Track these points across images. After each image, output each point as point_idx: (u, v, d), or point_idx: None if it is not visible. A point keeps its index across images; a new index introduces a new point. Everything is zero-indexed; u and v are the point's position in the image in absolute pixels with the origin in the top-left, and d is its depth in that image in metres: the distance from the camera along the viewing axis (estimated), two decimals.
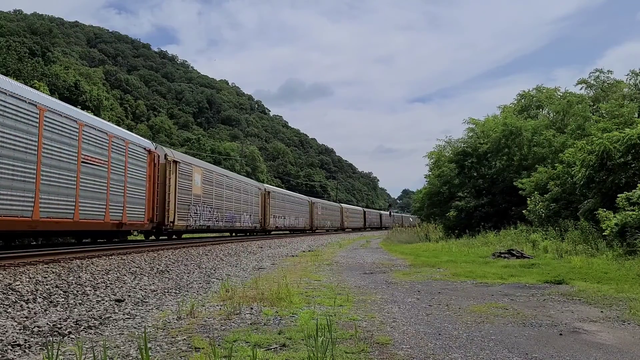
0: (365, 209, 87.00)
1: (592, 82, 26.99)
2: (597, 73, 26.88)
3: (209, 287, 8.69)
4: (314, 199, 55.57)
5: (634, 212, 12.13)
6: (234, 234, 31.69)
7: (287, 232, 43.90)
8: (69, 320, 5.67)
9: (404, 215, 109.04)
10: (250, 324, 5.40)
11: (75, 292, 7.40)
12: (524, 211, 20.03)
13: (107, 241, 17.02)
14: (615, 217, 12.72)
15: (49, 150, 12.11)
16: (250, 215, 32.15)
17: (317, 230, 52.69)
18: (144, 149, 18.21)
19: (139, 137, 19.11)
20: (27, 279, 7.64)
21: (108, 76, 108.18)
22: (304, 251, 19.27)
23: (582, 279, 9.07)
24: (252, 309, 6.22)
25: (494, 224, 22.64)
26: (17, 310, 5.97)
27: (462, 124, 31.58)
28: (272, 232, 38.98)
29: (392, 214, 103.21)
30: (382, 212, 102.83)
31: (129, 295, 7.53)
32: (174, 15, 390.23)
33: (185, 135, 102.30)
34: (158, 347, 4.43)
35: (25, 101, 11.35)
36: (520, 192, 21.29)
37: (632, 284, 8.18)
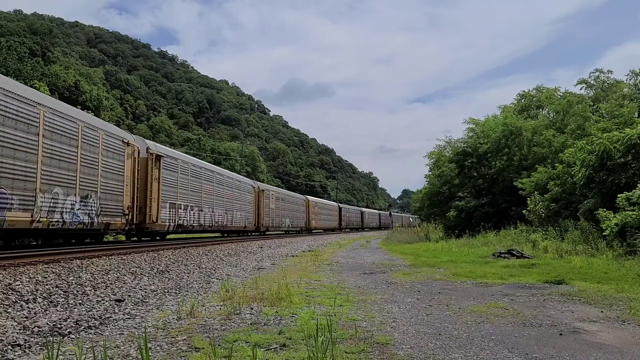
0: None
1: (592, 82, 27.01)
2: (597, 73, 26.91)
3: (209, 287, 8.69)
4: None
5: (634, 212, 12.13)
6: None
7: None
8: (69, 320, 5.67)
9: (403, 215, 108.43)
10: (251, 324, 5.40)
11: (75, 292, 7.40)
12: (524, 211, 20.03)
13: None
14: (615, 217, 12.73)
15: None
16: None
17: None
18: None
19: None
20: (27, 279, 7.64)
21: (108, 76, 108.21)
22: (303, 251, 19.28)
23: (582, 279, 9.07)
24: (252, 309, 6.22)
25: (494, 224, 22.63)
26: (17, 310, 5.97)
27: (462, 124, 31.60)
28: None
29: (392, 214, 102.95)
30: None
31: (129, 295, 7.53)
32: (175, 16, 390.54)
33: (185, 135, 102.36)
34: (158, 347, 4.43)
35: None
36: (520, 192, 21.29)
37: (632, 284, 8.18)
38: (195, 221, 22.46)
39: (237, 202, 29.18)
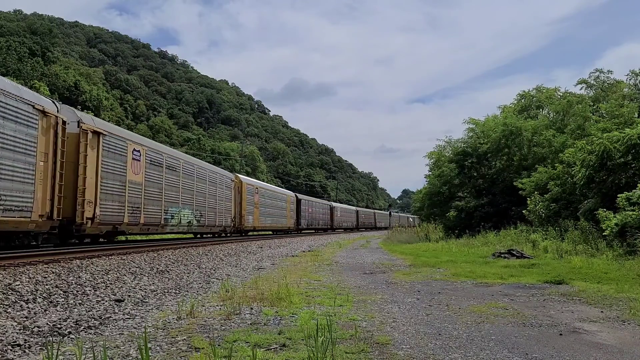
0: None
1: (592, 82, 27.03)
2: (597, 73, 26.96)
3: (209, 287, 8.69)
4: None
5: (634, 212, 12.13)
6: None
7: (270, 232, 38.54)
8: (69, 320, 5.67)
9: (401, 215, 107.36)
10: (250, 324, 5.39)
11: (75, 292, 7.40)
12: (524, 211, 20.03)
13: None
14: (616, 217, 12.72)
15: None
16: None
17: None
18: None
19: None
20: (27, 279, 7.64)
21: (108, 76, 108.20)
22: (303, 251, 19.27)
23: (582, 279, 9.07)
24: (252, 309, 6.22)
25: (494, 224, 22.63)
26: (17, 310, 5.96)
27: (462, 124, 31.60)
28: (250, 233, 33.31)
29: (392, 214, 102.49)
30: (376, 211, 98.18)
31: (129, 295, 7.52)
32: (175, 17, 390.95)
33: (185, 135, 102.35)
34: (158, 347, 4.43)
35: None
36: (520, 192, 21.29)
37: (632, 284, 8.18)
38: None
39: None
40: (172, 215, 19.56)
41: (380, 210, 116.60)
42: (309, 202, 50.86)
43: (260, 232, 36.59)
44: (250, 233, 33.35)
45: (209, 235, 26.14)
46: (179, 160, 20.93)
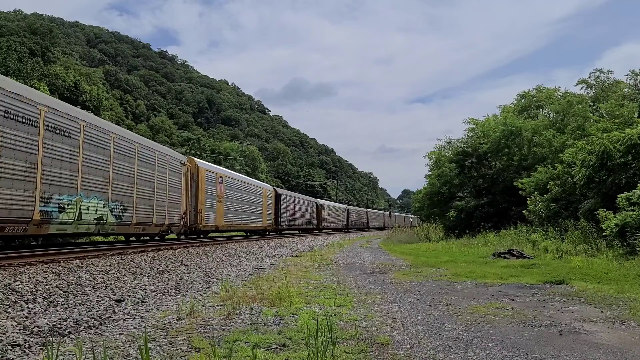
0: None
1: (592, 82, 27.03)
2: (597, 73, 26.95)
3: (209, 287, 8.69)
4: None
5: (634, 212, 12.13)
6: (133, 239, 18.61)
7: (243, 233, 32.75)
8: (69, 320, 5.67)
9: (397, 215, 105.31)
10: (250, 324, 5.39)
11: (75, 292, 7.40)
12: (524, 211, 20.03)
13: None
14: (616, 217, 12.73)
15: None
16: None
17: (284, 232, 41.04)
18: None
19: None
20: (27, 279, 7.64)
21: (108, 76, 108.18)
22: (303, 251, 19.28)
23: (582, 279, 9.07)
24: (252, 309, 6.22)
25: (494, 224, 22.64)
26: (17, 310, 5.96)
27: (462, 124, 31.61)
28: (212, 235, 26.93)
29: (392, 214, 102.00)
30: (369, 210, 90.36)
31: (129, 295, 7.52)
32: (175, 17, 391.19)
33: (185, 135, 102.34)
34: (158, 347, 4.43)
35: None
36: (520, 192, 21.30)
37: (632, 284, 8.18)
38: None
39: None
40: (60, 207, 12.42)
41: (376, 210, 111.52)
42: (291, 198, 43.92)
43: (226, 234, 30.32)
44: (211, 235, 26.73)
45: (146, 239, 19.29)
46: (78, 123, 13.33)
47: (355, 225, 72.08)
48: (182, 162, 21.37)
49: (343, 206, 70.43)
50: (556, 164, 19.55)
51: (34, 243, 14.62)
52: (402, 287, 8.41)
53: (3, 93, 10.78)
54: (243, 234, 33.02)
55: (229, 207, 26.98)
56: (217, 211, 25.10)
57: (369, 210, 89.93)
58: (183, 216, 20.89)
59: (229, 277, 10.03)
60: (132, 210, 16.32)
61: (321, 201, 57.71)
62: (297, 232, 44.83)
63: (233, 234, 32.13)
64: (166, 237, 20.92)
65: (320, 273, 10.74)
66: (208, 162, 30.47)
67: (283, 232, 40.72)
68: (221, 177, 26.22)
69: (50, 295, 6.94)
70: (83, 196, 13.58)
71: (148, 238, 19.44)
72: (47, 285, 7.50)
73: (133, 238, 18.73)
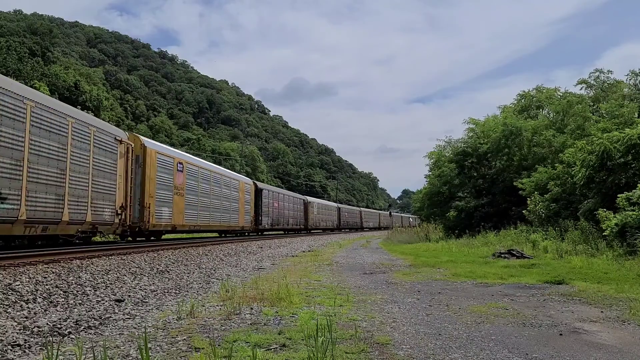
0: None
1: (592, 82, 27.02)
2: (597, 73, 26.93)
3: (209, 287, 8.68)
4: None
5: (634, 212, 12.12)
6: (62, 240, 13.82)
7: (216, 234, 27.96)
8: (69, 320, 5.67)
9: (397, 215, 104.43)
10: (250, 324, 5.39)
11: (75, 292, 7.40)
12: (524, 211, 20.03)
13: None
14: (616, 217, 12.72)
15: None
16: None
17: (266, 232, 36.73)
18: None
19: None
20: (27, 279, 7.64)
21: (108, 76, 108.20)
22: (303, 251, 19.28)
23: (582, 279, 9.07)
24: (252, 309, 6.22)
25: (494, 224, 22.64)
26: (17, 310, 5.96)
27: (462, 124, 31.59)
28: (166, 236, 21.91)
29: (392, 214, 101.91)
30: (363, 209, 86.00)
31: (129, 295, 7.52)
32: (175, 17, 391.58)
33: (185, 135, 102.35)
34: (158, 347, 4.43)
35: None
36: (520, 192, 21.30)
37: (632, 284, 8.17)
38: None
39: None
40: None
41: (370, 209, 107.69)
42: (274, 194, 38.69)
43: (190, 237, 25.53)
44: (165, 236, 21.59)
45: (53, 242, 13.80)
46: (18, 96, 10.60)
47: (348, 226, 67.81)
48: (119, 138, 15.68)
49: (334, 204, 65.44)
50: (556, 164, 19.54)
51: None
52: (402, 287, 8.41)
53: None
54: (216, 235, 28.37)
55: (192, 201, 21.66)
56: (175, 206, 19.82)
57: (362, 209, 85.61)
58: (119, 211, 15.41)
59: (229, 277, 10.03)
60: (19, 199, 10.71)
61: (310, 198, 52.89)
62: (282, 232, 40.81)
63: (203, 235, 27.09)
64: (93, 239, 15.62)
65: (320, 273, 10.74)
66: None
67: (265, 233, 36.27)
68: (181, 163, 20.71)
69: (50, 295, 6.94)
70: None
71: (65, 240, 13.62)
72: (47, 285, 7.50)
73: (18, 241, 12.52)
